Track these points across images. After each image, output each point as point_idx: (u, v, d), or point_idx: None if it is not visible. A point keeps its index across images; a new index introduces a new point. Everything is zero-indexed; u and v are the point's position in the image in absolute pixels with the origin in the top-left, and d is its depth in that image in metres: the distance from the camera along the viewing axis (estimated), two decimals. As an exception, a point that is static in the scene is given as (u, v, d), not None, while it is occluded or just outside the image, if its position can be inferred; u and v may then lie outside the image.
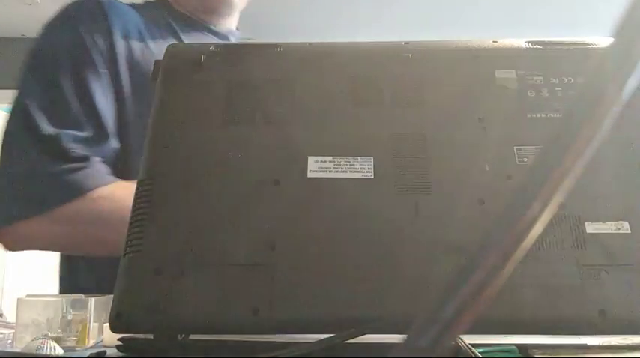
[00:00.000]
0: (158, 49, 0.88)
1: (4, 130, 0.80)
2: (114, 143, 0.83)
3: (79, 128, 0.79)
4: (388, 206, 0.44)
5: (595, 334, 0.43)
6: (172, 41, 0.91)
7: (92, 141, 0.80)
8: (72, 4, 0.86)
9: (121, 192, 0.76)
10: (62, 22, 0.86)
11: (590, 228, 0.43)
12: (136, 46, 0.87)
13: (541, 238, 0.42)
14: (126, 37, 0.86)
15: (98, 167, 0.79)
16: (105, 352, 0.43)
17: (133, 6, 0.95)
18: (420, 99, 0.50)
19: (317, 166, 0.46)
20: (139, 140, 0.65)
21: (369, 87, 0.50)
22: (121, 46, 0.84)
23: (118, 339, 0.43)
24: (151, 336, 0.42)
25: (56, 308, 0.52)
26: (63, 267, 0.96)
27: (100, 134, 0.81)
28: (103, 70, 0.82)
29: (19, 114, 0.79)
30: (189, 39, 0.96)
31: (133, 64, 0.85)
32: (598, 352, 0.43)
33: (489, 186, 0.45)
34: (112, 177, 0.79)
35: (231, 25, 1.06)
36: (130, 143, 0.84)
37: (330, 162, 0.46)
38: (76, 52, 0.82)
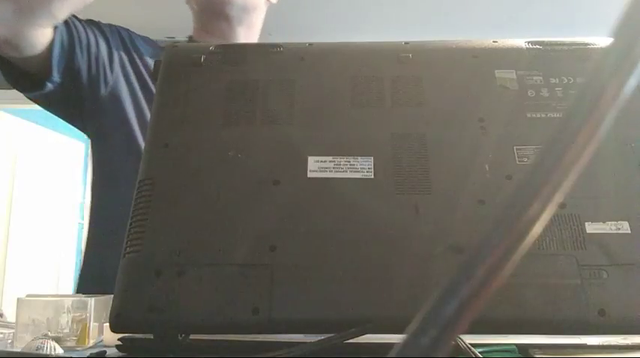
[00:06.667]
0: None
1: None
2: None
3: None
4: (388, 206, 0.44)
5: (595, 334, 0.43)
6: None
7: None
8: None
9: None
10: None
11: (590, 228, 0.43)
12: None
13: (541, 238, 0.42)
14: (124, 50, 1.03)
15: None
16: (105, 352, 0.43)
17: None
18: (420, 99, 0.50)
19: (317, 166, 0.46)
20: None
21: (369, 87, 0.50)
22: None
23: (118, 339, 0.43)
24: (151, 336, 0.42)
25: (56, 308, 0.52)
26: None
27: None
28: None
29: None
30: None
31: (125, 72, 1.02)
32: (598, 352, 0.44)
33: (489, 186, 0.45)
34: None
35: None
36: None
37: (330, 162, 0.46)
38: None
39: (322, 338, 0.39)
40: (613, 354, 0.44)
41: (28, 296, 0.53)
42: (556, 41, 0.53)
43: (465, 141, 0.47)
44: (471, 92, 0.50)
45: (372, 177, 0.45)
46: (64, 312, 0.52)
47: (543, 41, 0.53)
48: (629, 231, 0.43)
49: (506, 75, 0.51)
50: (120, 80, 1.00)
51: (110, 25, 1.03)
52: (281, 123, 0.49)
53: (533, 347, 0.42)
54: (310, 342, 0.39)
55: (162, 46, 1.10)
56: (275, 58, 0.53)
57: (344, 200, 0.45)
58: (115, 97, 0.99)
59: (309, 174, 0.46)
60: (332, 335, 0.39)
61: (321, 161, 0.46)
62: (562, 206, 0.43)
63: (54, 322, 0.51)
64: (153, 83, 1.01)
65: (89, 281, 0.97)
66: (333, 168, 0.46)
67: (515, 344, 0.42)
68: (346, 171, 0.46)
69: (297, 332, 0.42)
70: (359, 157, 0.46)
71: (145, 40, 1.09)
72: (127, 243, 0.44)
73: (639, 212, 0.43)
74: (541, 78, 0.51)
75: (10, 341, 0.53)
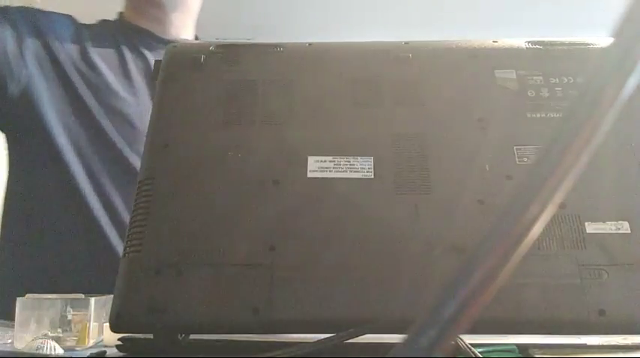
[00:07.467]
0: (97, 55, 0.95)
1: None
2: None
3: None
4: (388, 206, 0.44)
5: (595, 334, 0.43)
6: (111, 48, 0.99)
7: None
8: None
9: None
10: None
11: (590, 228, 0.43)
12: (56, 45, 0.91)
13: (541, 238, 0.42)
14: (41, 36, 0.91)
15: None
16: (105, 352, 0.43)
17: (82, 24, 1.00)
18: (420, 99, 0.50)
19: (317, 166, 0.46)
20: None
21: (369, 87, 0.50)
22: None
23: (118, 339, 0.43)
24: (151, 336, 0.42)
25: (56, 308, 0.52)
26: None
27: None
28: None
29: None
30: (131, 46, 1.00)
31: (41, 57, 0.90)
32: (598, 352, 0.44)
33: (489, 186, 0.45)
34: None
35: (181, 34, 1.05)
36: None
37: (330, 162, 0.46)
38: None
39: (322, 338, 0.39)
40: (613, 354, 0.44)
41: (28, 296, 0.53)
42: (556, 41, 0.53)
43: (464, 141, 0.47)
44: (470, 92, 0.50)
45: (372, 177, 0.45)
46: (64, 312, 0.52)
47: (543, 41, 0.53)
48: (629, 231, 0.43)
49: (506, 75, 0.51)
50: (35, 76, 0.87)
51: (20, 10, 0.89)
52: (281, 123, 0.49)
53: (533, 347, 0.42)
54: (310, 342, 0.39)
55: (85, 24, 0.99)
56: (275, 58, 0.53)
57: (344, 200, 0.45)
58: (28, 98, 0.86)
59: (309, 174, 0.46)
60: (332, 335, 0.39)
61: (321, 161, 0.46)
62: (562, 206, 0.43)
63: (54, 322, 0.51)
64: (114, 75, 0.93)
65: (5, 288, 0.86)
66: (333, 168, 0.46)
67: (515, 344, 0.42)
68: (346, 171, 0.46)
69: (297, 332, 0.42)
70: (359, 157, 0.46)
71: (67, 17, 0.96)
72: (127, 242, 0.44)
73: (639, 212, 0.43)
74: (541, 78, 0.51)
75: (10, 341, 0.53)
